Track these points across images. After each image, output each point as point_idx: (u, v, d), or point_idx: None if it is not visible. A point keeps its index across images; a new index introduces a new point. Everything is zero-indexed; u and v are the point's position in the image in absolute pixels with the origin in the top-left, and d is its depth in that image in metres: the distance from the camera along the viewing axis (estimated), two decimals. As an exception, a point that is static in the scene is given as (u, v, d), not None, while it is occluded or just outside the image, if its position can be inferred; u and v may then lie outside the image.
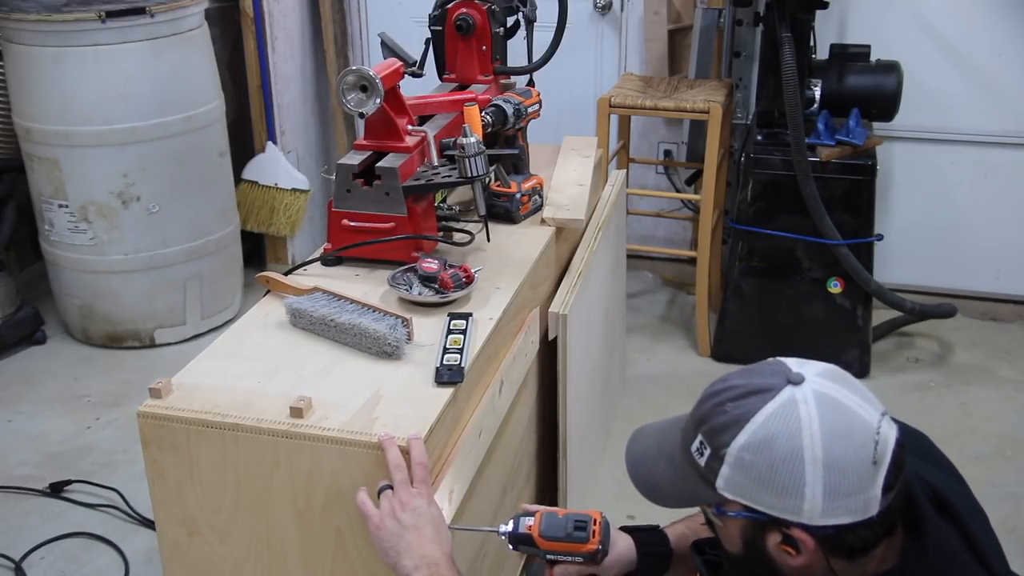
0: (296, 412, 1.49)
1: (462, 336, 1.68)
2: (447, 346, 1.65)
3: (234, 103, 3.58)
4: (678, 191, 3.74)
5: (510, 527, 1.37)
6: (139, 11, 3.01)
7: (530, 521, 1.37)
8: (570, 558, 1.36)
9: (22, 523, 2.49)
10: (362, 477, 1.46)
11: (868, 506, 1.08)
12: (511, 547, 1.37)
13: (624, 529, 1.49)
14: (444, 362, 1.61)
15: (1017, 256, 3.49)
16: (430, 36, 2.41)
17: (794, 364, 1.13)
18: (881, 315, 3.29)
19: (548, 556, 1.37)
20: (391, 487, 1.38)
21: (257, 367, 1.64)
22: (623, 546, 1.45)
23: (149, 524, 2.42)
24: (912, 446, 1.17)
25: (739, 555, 1.17)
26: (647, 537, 1.48)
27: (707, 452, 1.12)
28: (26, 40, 3.03)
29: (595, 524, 1.36)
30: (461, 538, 1.67)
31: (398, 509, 1.36)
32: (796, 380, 1.10)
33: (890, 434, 1.10)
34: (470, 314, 1.75)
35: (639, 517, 2.47)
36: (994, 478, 2.60)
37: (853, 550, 1.11)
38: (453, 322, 1.72)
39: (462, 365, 1.60)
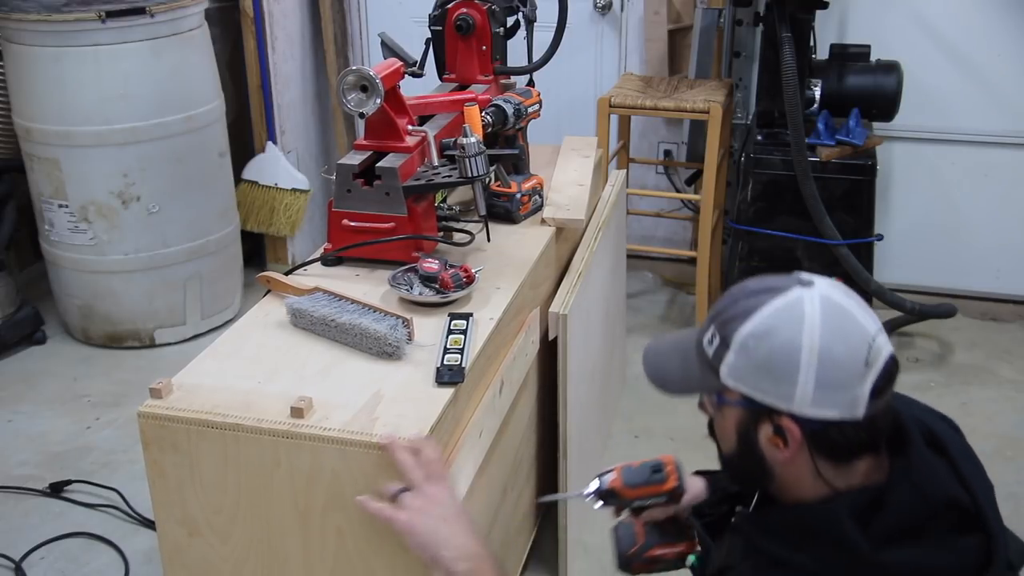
0: (297, 412, 1.49)
1: (463, 336, 1.68)
2: (448, 346, 1.65)
3: (234, 103, 3.57)
4: (678, 191, 3.74)
5: (595, 486, 1.45)
6: (139, 11, 3.01)
7: (612, 476, 1.45)
8: (653, 500, 1.44)
9: (22, 523, 2.49)
10: (362, 477, 1.46)
11: (855, 405, 1.14)
12: (599, 504, 1.45)
13: (696, 473, 1.56)
14: (445, 362, 1.61)
15: (1017, 256, 3.49)
16: (430, 36, 2.41)
17: (808, 274, 1.21)
18: (881, 315, 3.25)
19: (634, 504, 1.46)
20: (407, 489, 1.41)
21: (257, 367, 1.64)
22: (698, 487, 1.52)
23: (149, 524, 2.42)
24: (920, 408, 1.25)
25: (733, 453, 1.24)
26: (718, 477, 1.54)
27: (716, 341, 1.20)
28: (26, 40, 3.03)
29: (669, 465, 1.45)
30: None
31: (427, 506, 1.39)
32: (807, 283, 1.18)
33: (884, 346, 1.17)
34: (471, 314, 1.75)
35: (639, 517, 2.47)
36: (994, 478, 2.58)
37: (837, 450, 1.17)
38: (454, 322, 1.72)
39: (463, 365, 1.60)
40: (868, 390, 1.14)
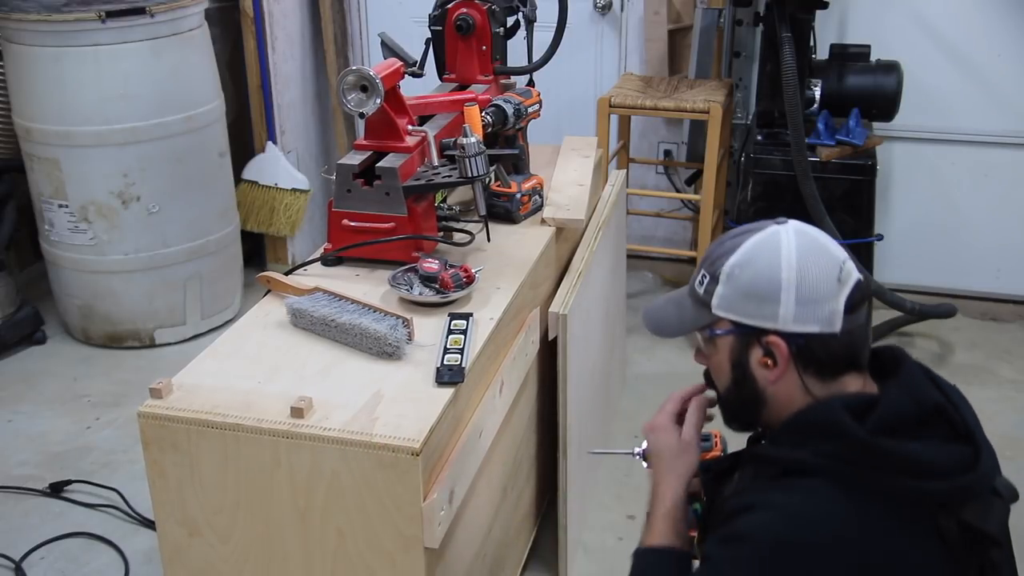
0: (297, 412, 1.49)
1: (463, 336, 1.68)
2: (448, 346, 1.65)
3: (234, 103, 3.57)
4: (678, 191, 3.74)
5: (644, 446, 1.54)
6: (139, 11, 3.01)
7: None
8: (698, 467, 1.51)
9: (22, 523, 2.49)
10: (362, 477, 1.46)
11: (833, 319, 1.27)
12: (646, 464, 1.54)
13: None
14: (445, 362, 1.61)
15: (1017, 256, 3.49)
16: (430, 36, 2.41)
17: (783, 217, 1.36)
18: (881, 315, 3.29)
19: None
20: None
21: (257, 367, 1.64)
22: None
23: (149, 524, 2.42)
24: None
25: (728, 386, 1.36)
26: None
27: (706, 279, 1.34)
28: (26, 40, 3.03)
29: (716, 437, 1.59)
30: (462, 539, 1.67)
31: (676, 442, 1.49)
32: (782, 222, 1.34)
33: (853, 269, 1.31)
34: (471, 314, 1.75)
35: (639, 517, 2.47)
36: (994, 478, 2.60)
37: (821, 365, 1.29)
38: (454, 322, 1.72)
39: (463, 365, 1.60)
40: (843, 305, 1.27)
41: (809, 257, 1.28)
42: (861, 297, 1.29)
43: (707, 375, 1.42)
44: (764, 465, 1.32)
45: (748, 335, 1.31)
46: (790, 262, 1.27)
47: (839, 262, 1.29)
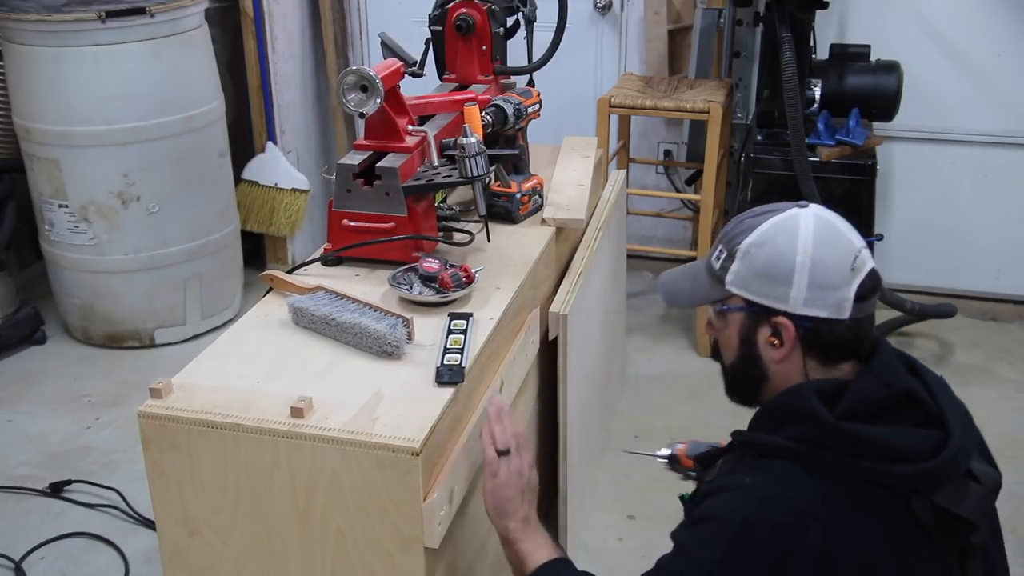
0: (297, 412, 1.49)
1: (463, 336, 1.68)
2: (447, 346, 1.65)
3: (234, 103, 3.58)
4: (678, 191, 3.74)
5: (667, 452, 1.90)
6: (139, 11, 3.01)
7: (680, 446, 1.89)
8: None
9: (22, 523, 2.49)
10: (362, 477, 1.46)
11: (842, 306, 1.30)
12: (668, 467, 1.89)
13: None
14: (444, 362, 1.61)
15: (1017, 256, 3.49)
16: (430, 36, 2.41)
17: (805, 201, 1.39)
18: (881, 315, 3.28)
19: (690, 472, 1.84)
20: (507, 452, 1.51)
21: (257, 367, 1.64)
22: None
23: (149, 524, 2.42)
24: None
25: (735, 359, 1.40)
26: None
27: (723, 255, 1.37)
28: (26, 40, 3.03)
29: (680, 451, 1.87)
30: (462, 539, 1.67)
31: (526, 470, 1.53)
32: (803, 205, 1.36)
33: (868, 259, 1.33)
34: (471, 314, 1.75)
35: (639, 517, 2.47)
36: (994, 478, 2.60)
37: (826, 349, 1.32)
38: (454, 322, 1.72)
39: (462, 365, 1.60)
40: (853, 293, 1.30)
41: (825, 243, 1.31)
42: (872, 287, 1.32)
43: (715, 346, 1.46)
44: (742, 450, 1.37)
45: (758, 313, 1.34)
46: (806, 246, 1.30)
47: (855, 250, 1.32)
